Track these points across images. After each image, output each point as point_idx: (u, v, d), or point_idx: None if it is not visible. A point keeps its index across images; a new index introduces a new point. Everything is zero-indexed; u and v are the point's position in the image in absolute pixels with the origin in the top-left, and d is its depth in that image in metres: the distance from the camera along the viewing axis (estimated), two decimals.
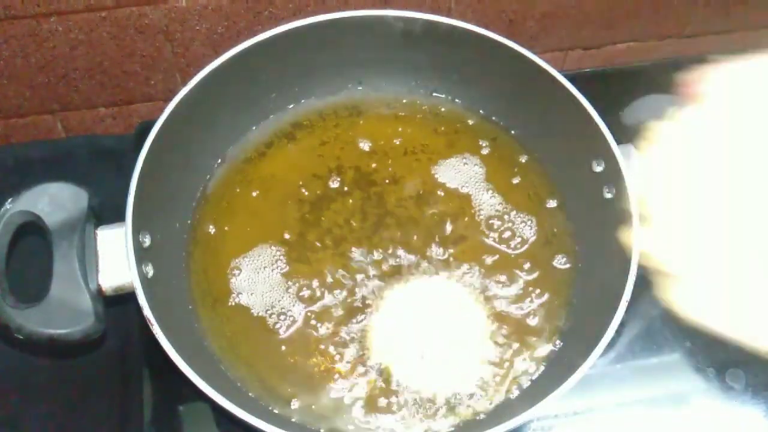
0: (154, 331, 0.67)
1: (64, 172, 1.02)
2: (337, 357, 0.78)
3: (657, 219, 0.63)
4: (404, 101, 0.95)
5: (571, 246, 0.85)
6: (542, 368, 0.78)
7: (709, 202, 0.60)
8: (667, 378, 0.88)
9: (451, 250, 0.84)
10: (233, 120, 0.91)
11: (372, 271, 0.82)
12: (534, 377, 0.77)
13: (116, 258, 0.71)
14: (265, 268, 0.82)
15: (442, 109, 0.95)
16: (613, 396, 0.86)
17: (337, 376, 0.77)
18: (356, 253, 0.83)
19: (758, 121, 0.60)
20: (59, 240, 0.71)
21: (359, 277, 0.82)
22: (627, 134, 0.83)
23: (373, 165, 0.90)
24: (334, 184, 0.88)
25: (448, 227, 0.86)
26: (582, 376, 0.67)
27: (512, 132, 0.93)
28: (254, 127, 0.92)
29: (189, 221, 0.85)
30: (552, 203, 0.88)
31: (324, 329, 0.79)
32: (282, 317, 0.79)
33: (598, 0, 1.14)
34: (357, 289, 0.81)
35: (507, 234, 0.86)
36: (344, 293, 0.81)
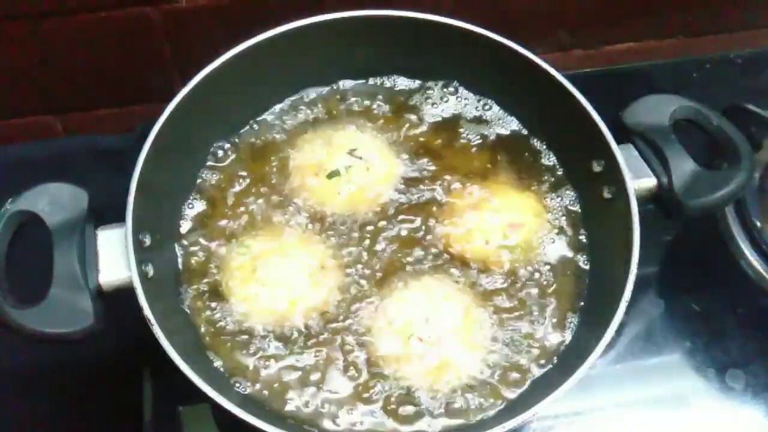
0: (154, 331, 0.67)
1: (64, 172, 1.02)
2: (338, 356, 0.78)
3: None
4: (403, 100, 0.95)
5: (571, 246, 0.85)
6: (542, 368, 0.78)
7: None
8: (667, 378, 0.88)
9: (452, 248, 0.84)
10: (233, 120, 0.91)
11: (373, 270, 0.82)
12: (534, 377, 0.77)
13: (116, 258, 0.71)
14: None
15: (442, 108, 0.94)
16: (613, 396, 0.87)
17: (337, 376, 0.77)
18: (357, 252, 0.83)
19: None
20: (59, 240, 0.71)
21: (361, 277, 0.82)
22: (627, 134, 0.83)
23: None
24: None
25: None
26: (582, 376, 0.67)
27: (512, 131, 0.93)
28: (254, 127, 0.92)
29: (189, 221, 0.85)
30: (552, 203, 0.88)
31: (324, 328, 0.79)
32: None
33: (598, 0, 1.14)
34: (358, 288, 0.81)
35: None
36: (345, 292, 0.81)
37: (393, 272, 0.82)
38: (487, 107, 0.94)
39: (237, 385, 0.76)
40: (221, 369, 0.77)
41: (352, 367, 0.77)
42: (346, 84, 0.95)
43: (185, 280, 0.81)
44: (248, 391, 0.75)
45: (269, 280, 0.80)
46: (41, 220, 0.72)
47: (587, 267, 0.84)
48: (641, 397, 0.87)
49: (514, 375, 0.77)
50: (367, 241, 0.84)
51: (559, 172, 0.90)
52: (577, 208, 0.87)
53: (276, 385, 0.76)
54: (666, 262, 0.98)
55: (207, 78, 0.81)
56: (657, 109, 0.83)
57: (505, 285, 0.82)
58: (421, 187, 0.88)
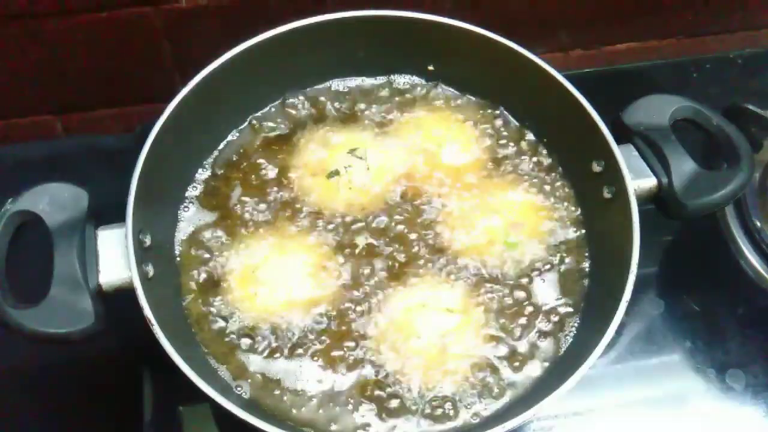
0: (154, 331, 0.68)
1: (64, 172, 1.02)
2: (339, 356, 0.78)
3: None
4: (403, 99, 0.95)
5: (571, 246, 0.85)
6: (542, 368, 0.78)
7: None
8: (667, 378, 0.88)
9: (453, 248, 0.84)
10: (233, 120, 0.91)
11: (374, 269, 0.82)
12: (534, 377, 0.77)
13: (116, 258, 0.71)
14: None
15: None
16: (613, 396, 0.87)
17: (337, 376, 0.77)
18: (357, 252, 0.83)
19: None
20: (59, 240, 0.71)
21: (362, 277, 0.82)
22: (627, 134, 0.83)
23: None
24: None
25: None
26: (582, 377, 0.67)
27: (512, 131, 0.93)
28: (254, 127, 0.92)
29: (189, 221, 0.85)
30: (552, 203, 0.88)
31: (324, 328, 0.79)
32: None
33: (598, 0, 1.14)
34: (359, 288, 0.81)
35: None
36: (346, 291, 0.81)
37: (394, 272, 0.82)
38: (487, 107, 0.94)
39: (237, 385, 0.76)
40: (221, 369, 0.77)
41: (353, 368, 0.77)
42: (346, 83, 0.95)
43: (185, 279, 0.81)
44: (248, 391, 0.75)
45: (269, 279, 0.80)
46: (41, 220, 0.72)
47: (587, 267, 0.84)
48: (641, 397, 0.87)
49: (515, 375, 0.77)
50: (368, 241, 0.84)
51: (559, 172, 0.90)
52: (577, 208, 0.87)
53: (276, 384, 0.76)
54: (666, 262, 0.98)
55: (207, 78, 0.81)
56: (657, 109, 0.83)
57: (506, 284, 0.82)
58: (422, 187, 0.88)
